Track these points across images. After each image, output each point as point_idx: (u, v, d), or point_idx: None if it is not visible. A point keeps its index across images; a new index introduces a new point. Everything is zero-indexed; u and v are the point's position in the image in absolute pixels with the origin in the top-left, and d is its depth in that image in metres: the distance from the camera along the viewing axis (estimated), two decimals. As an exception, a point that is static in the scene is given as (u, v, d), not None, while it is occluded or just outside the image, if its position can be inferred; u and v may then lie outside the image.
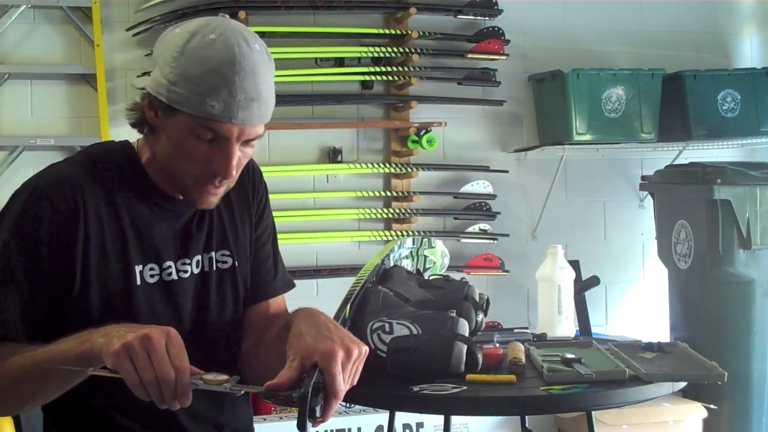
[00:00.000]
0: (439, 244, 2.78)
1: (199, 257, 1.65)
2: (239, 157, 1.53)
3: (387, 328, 2.03)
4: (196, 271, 1.65)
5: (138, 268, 1.58)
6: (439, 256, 2.74)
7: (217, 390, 1.34)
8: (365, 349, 1.42)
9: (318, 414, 1.34)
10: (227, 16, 1.55)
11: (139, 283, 1.58)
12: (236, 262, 1.70)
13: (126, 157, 1.61)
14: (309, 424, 1.31)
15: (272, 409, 3.63)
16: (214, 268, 1.67)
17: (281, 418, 3.58)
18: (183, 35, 1.48)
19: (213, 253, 1.67)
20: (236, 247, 1.70)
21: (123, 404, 1.56)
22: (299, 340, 1.41)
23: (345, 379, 1.38)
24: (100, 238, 1.54)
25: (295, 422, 1.33)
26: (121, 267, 1.56)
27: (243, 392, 1.35)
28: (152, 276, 1.59)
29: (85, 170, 1.57)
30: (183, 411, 1.56)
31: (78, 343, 1.36)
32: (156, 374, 1.28)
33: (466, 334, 2.08)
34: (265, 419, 3.55)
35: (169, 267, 1.61)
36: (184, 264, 1.63)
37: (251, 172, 1.75)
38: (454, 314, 2.11)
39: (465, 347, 2.03)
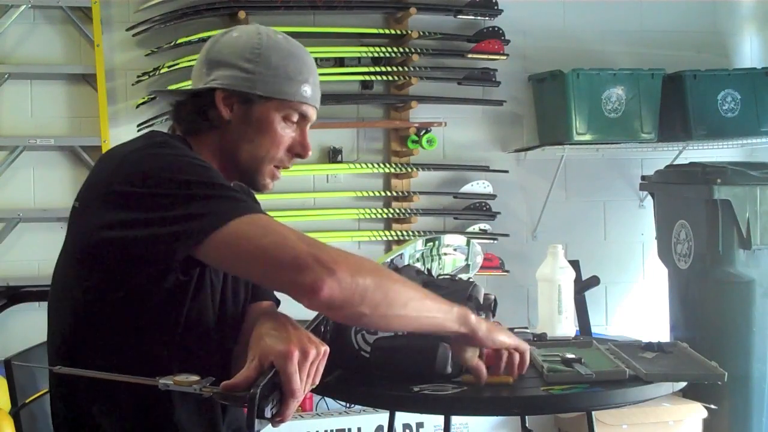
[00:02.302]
0: (474, 243, 2.74)
1: None
2: None
3: (371, 329, 2.01)
4: None
5: None
6: (471, 255, 2.71)
7: (186, 391, 1.34)
8: (324, 349, 1.43)
9: (268, 414, 1.34)
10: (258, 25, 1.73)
11: None
12: None
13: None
14: (258, 424, 1.31)
15: (272, 409, 3.62)
16: None
17: (281, 418, 3.57)
18: (249, 36, 1.65)
19: None
20: None
21: (120, 407, 1.55)
22: (258, 341, 1.43)
23: (302, 379, 1.38)
24: None
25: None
26: None
27: (212, 393, 1.34)
28: None
29: None
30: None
31: (447, 311, 1.71)
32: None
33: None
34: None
35: None
36: None
37: None
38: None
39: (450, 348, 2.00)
